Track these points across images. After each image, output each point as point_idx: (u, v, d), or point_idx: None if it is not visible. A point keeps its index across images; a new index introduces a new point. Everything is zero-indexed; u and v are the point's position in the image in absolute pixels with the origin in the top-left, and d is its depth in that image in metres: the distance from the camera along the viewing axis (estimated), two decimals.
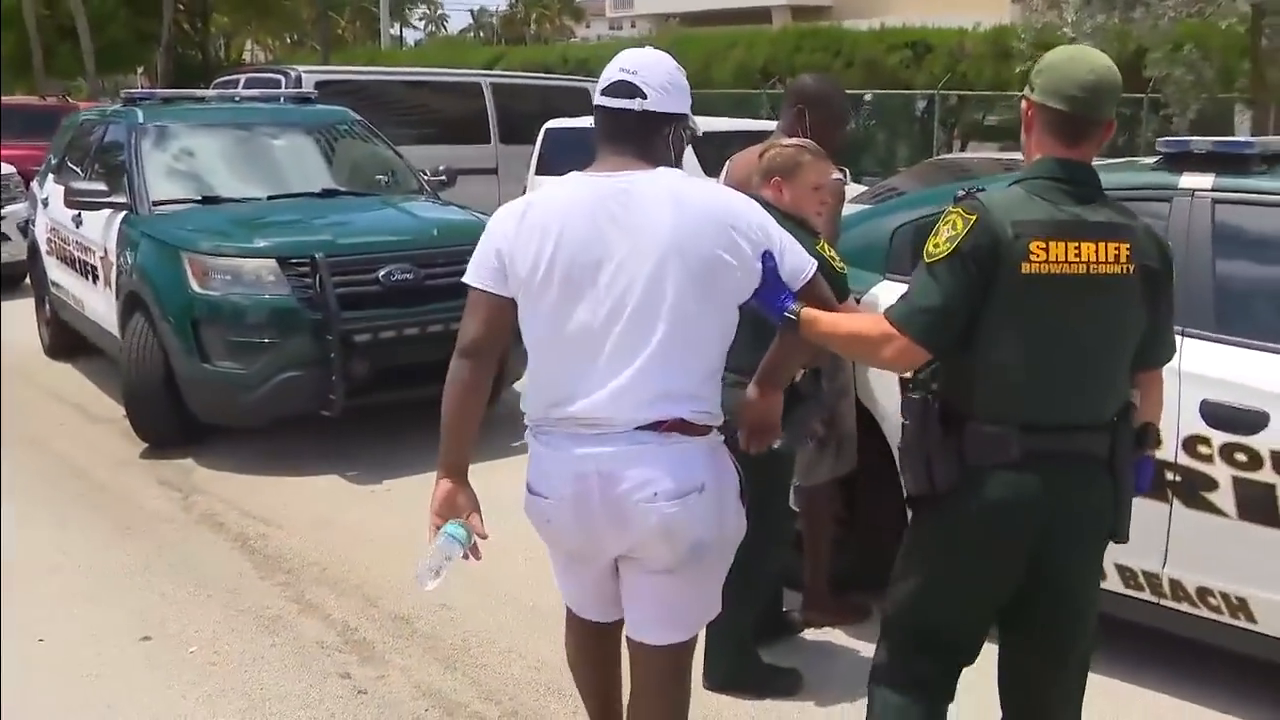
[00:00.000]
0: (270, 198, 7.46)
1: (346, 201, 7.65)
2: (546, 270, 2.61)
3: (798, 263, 2.72)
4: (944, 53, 22.48)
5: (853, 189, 12.19)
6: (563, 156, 10.52)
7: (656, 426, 2.62)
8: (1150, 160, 4.13)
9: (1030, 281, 2.56)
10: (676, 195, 2.62)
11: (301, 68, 13.00)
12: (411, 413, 6.67)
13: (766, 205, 3.31)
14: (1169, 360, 2.88)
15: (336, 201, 7.59)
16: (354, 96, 12.32)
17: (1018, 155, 11.46)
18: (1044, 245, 2.55)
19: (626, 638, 2.92)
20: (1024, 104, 2.74)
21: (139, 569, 5.11)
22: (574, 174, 2.73)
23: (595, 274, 2.60)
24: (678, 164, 2.76)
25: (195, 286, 6.43)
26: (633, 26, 46.20)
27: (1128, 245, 2.61)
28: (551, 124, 11.43)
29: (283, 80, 11.91)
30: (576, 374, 2.64)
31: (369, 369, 6.45)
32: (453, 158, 11.20)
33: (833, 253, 3.69)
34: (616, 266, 2.59)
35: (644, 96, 2.66)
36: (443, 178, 8.60)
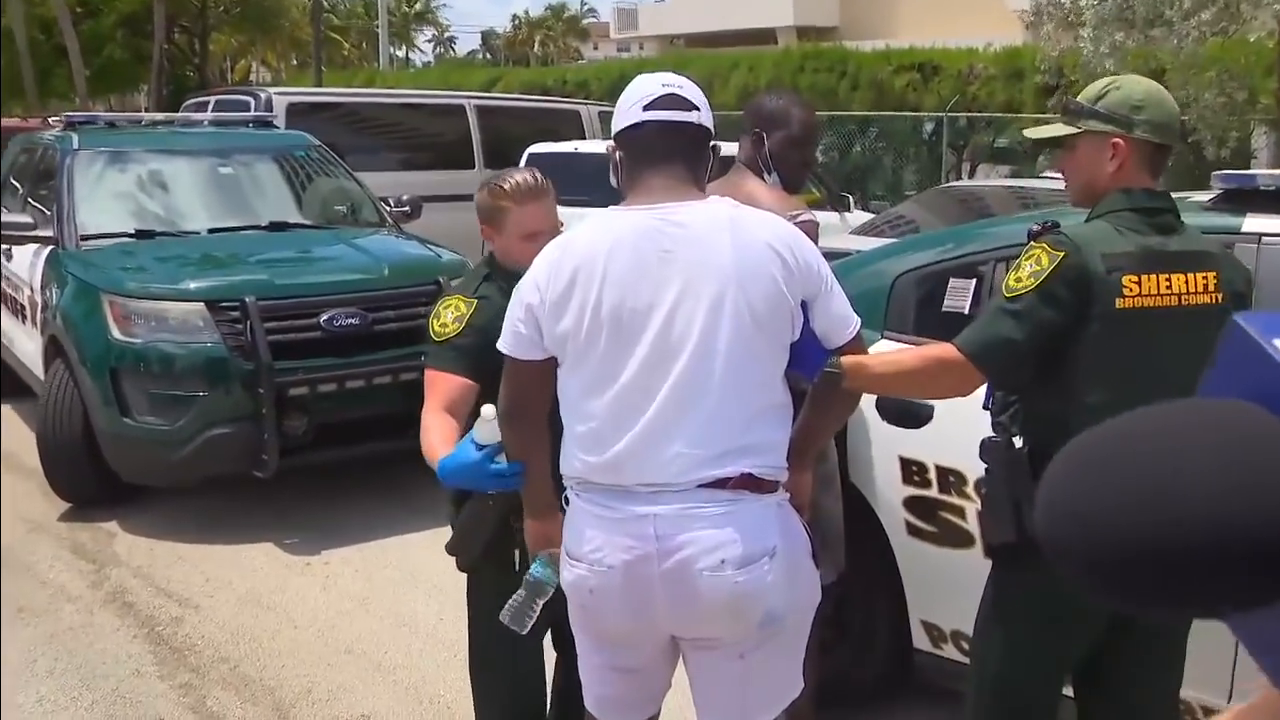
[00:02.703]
0: (211, 231, 6.79)
1: (295, 236, 7.00)
2: (593, 320, 2.37)
3: (842, 313, 2.50)
4: (952, 74, 21.89)
5: (859, 216, 11.57)
6: None
7: (723, 484, 2.34)
8: (1204, 198, 3.43)
9: (1126, 317, 2.51)
10: (734, 223, 2.39)
11: (273, 89, 12.34)
12: (356, 474, 6.06)
13: (493, 258, 3.09)
14: None
15: (284, 236, 6.93)
16: (332, 119, 11.77)
17: (1027, 182, 10.96)
18: (1137, 279, 2.51)
19: None
20: (1118, 142, 2.61)
21: (21, 666, 4.42)
22: (614, 209, 2.48)
23: (647, 318, 2.35)
24: (702, 188, 2.54)
25: (115, 332, 5.77)
26: (640, 49, 45.70)
27: (1215, 273, 2.57)
28: (534, 148, 10.75)
29: (252, 102, 11.24)
30: (630, 427, 2.36)
31: (307, 425, 5.79)
32: (435, 183, 10.60)
33: None
34: (670, 308, 2.34)
35: (697, 109, 2.46)
36: (406, 208, 7.94)
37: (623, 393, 2.37)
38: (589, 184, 10.25)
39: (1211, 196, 3.35)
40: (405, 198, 8.10)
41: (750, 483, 2.37)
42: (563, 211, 9.91)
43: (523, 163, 10.45)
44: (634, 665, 2.58)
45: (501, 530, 2.94)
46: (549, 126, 12.89)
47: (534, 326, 2.45)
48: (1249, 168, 18.83)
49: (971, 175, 20.84)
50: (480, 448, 2.58)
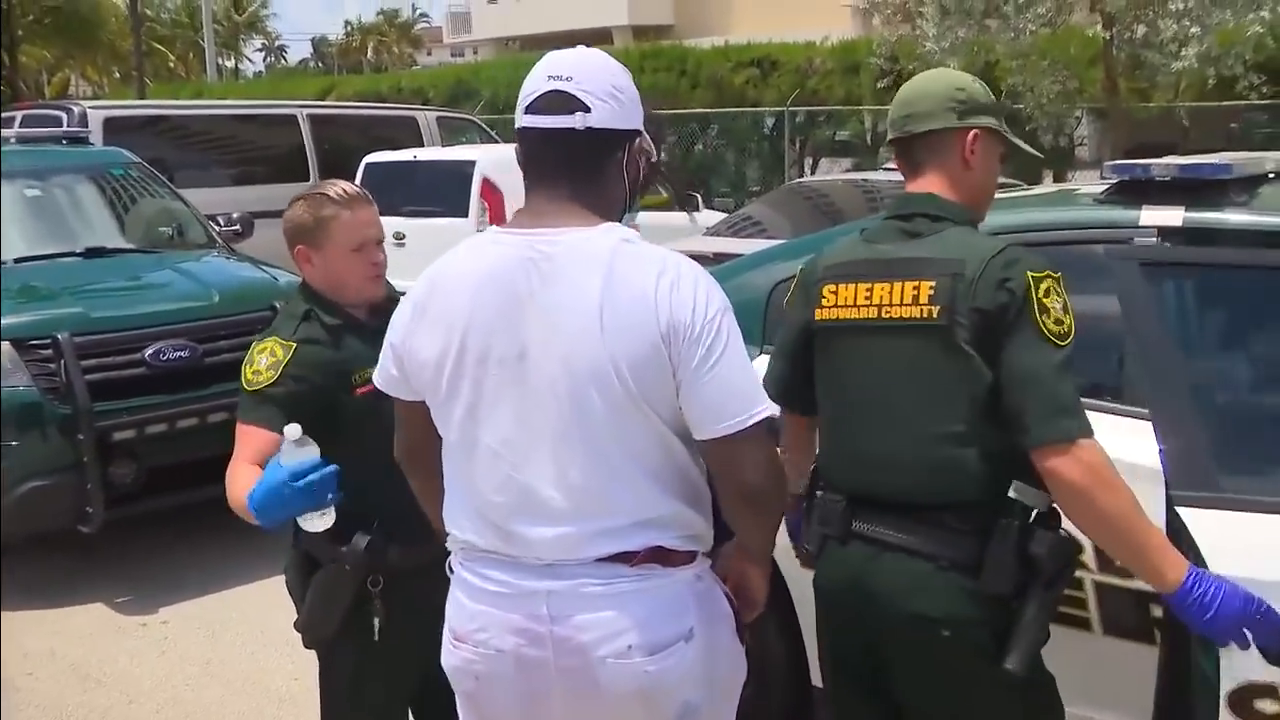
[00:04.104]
0: (19, 261, 6.14)
1: (114, 263, 6.43)
2: (455, 368, 2.03)
3: (724, 397, 1.96)
4: (791, 69, 21.97)
5: (708, 216, 11.37)
6: (385, 193, 9.38)
7: (627, 559, 2.00)
8: (1094, 190, 3.23)
9: (825, 329, 2.43)
10: (610, 268, 1.95)
11: (88, 103, 11.59)
12: (194, 521, 5.56)
13: (307, 291, 2.74)
14: (1042, 441, 2.15)
15: (102, 263, 6.35)
16: (155, 134, 11.16)
17: (872, 175, 10.97)
18: (835, 290, 2.39)
19: None
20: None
21: None
22: (492, 231, 2.12)
23: (518, 369, 1.99)
24: (633, 202, 2.14)
25: None
26: (474, 53, 45.14)
27: (929, 284, 2.25)
28: (371, 158, 10.30)
29: (64, 117, 10.51)
30: (506, 492, 2.03)
31: (136, 471, 5.29)
32: (268, 198, 10.01)
33: None
34: (542, 362, 1.98)
35: (586, 109, 2.00)
36: (237, 227, 7.43)
37: (498, 453, 2.04)
38: (429, 193, 9.91)
39: (1105, 189, 3.15)
40: (236, 215, 7.60)
41: (660, 555, 2.02)
42: (403, 223, 9.50)
43: (359, 172, 10.03)
44: None
45: (360, 598, 2.65)
46: (385, 135, 12.48)
47: (400, 368, 2.13)
48: (1075, 156, 19.37)
49: (814, 170, 20.97)
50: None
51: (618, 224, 2.05)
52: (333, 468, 2.29)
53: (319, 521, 2.35)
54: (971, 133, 2.39)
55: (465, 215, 9.29)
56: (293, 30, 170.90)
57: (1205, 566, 2.18)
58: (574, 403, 1.97)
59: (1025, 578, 2.22)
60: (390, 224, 9.16)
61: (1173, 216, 2.92)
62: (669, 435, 2.01)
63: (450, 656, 2.16)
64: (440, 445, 2.15)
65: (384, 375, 2.18)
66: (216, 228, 7.34)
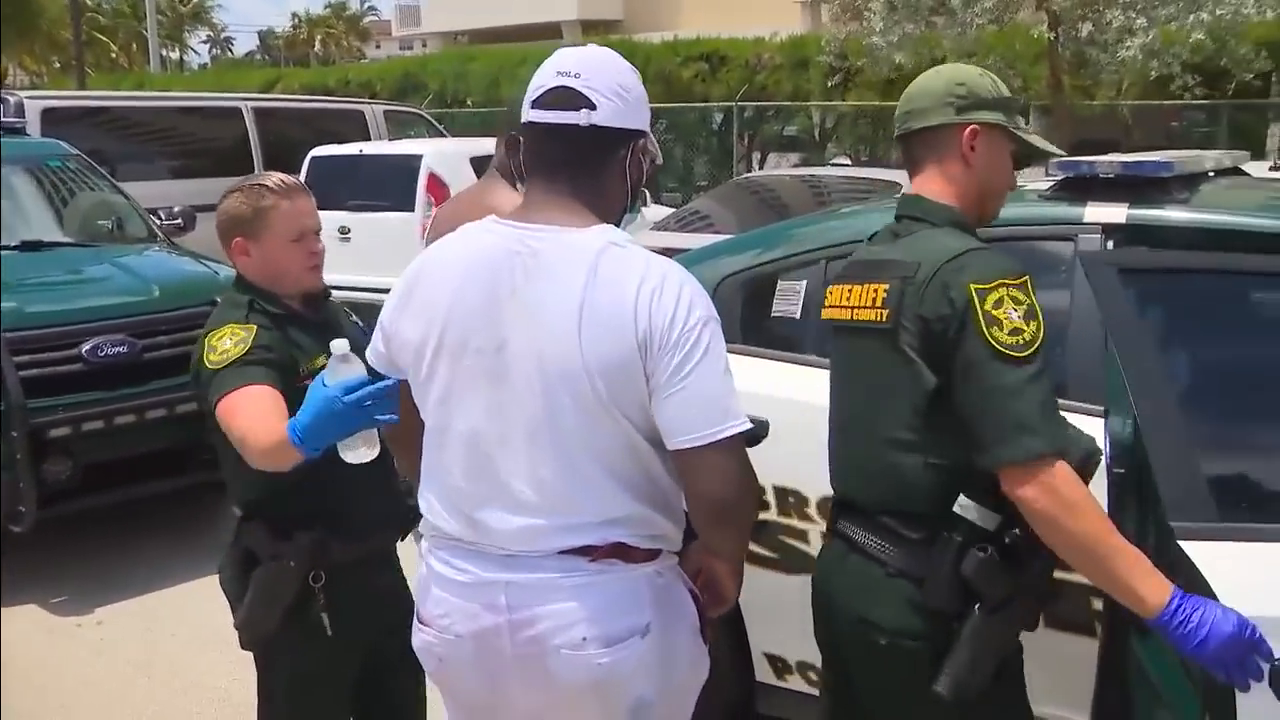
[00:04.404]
0: None
1: (51, 256, 6.29)
2: (434, 354, 2.07)
3: (694, 409, 1.95)
4: (740, 64, 22.00)
5: (656, 212, 11.35)
6: (331, 188, 9.32)
7: (588, 553, 2.02)
8: (1040, 187, 3.23)
9: (827, 329, 2.45)
10: (594, 269, 1.96)
11: (25, 93, 11.34)
12: (132, 519, 5.46)
13: (244, 284, 2.66)
14: (999, 462, 2.05)
15: (38, 257, 6.19)
16: (96, 125, 10.97)
17: (820, 170, 11.01)
18: (833, 290, 2.40)
19: None
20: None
21: None
22: (488, 220, 2.13)
23: (495, 361, 2.02)
24: (633, 201, 2.16)
25: None
26: (424, 46, 44.83)
27: (883, 287, 2.22)
28: (317, 151, 10.18)
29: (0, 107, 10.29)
30: (474, 480, 2.06)
31: (71, 469, 5.18)
32: (211, 191, 9.88)
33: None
34: (518, 358, 2.00)
35: (592, 107, 2.02)
36: (178, 220, 7.31)
37: (469, 440, 2.06)
38: (374, 188, 9.82)
39: (1050, 186, 3.16)
40: (177, 209, 7.49)
41: (620, 551, 2.04)
42: (348, 217, 9.39)
43: (305, 166, 9.93)
44: None
45: (301, 595, 2.60)
46: (331, 128, 12.32)
47: (387, 346, 2.17)
48: None
49: (762, 164, 21.02)
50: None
51: (612, 226, 2.06)
52: (390, 381, 2.15)
53: (365, 450, 2.25)
54: (969, 128, 2.29)
55: (411, 210, 9.21)
56: (239, 22, 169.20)
57: (1214, 598, 1.99)
58: (546, 400, 1.99)
59: (969, 598, 2.16)
60: (335, 218, 9.17)
61: (1116, 213, 2.94)
62: (639, 440, 2.02)
63: (416, 637, 2.21)
64: (408, 428, 2.18)
65: (374, 352, 2.20)
66: (157, 221, 7.22)
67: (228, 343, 2.53)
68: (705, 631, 2.21)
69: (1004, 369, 2.04)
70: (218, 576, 2.76)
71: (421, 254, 2.20)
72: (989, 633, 2.17)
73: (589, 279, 1.96)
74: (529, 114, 2.08)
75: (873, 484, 2.27)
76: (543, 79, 2.07)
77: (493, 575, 2.06)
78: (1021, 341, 2.05)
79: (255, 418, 2.40)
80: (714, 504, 2.01)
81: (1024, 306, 2.08)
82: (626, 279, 1.95)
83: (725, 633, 3.47)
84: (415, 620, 2.21)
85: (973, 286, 2.09)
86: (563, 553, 2.03)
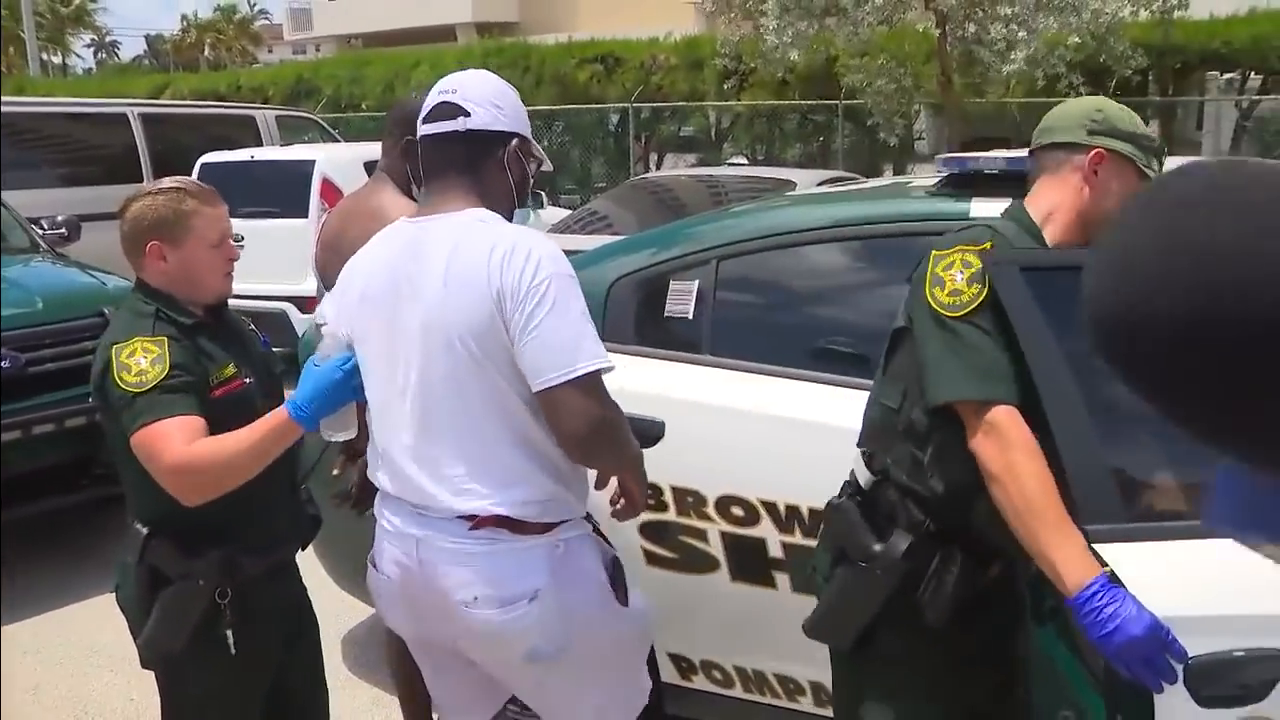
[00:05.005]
0: None
1: None
2: (357, 332, 2.42)
3: (553, 347, 2.20)
4: (635, 65, 22.09)
5: (554, 214, 11.34)
6: (223, 194, 9.05)
7: (475, 520, 2.28)
8: (926, 183, 3.29)
9: None
10: (456, 243, 2.27)
11: None
12: (14, 540, 5.28)
13: (148, 290, 2.60)
14: (933, 402, 2.25)
15: None
16: None
17: (716, 169, 11.05)
18: None
19: None
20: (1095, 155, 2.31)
21: None
22: (399, 220, 2.49)
23: (392, 335, 2.33)
24: (520, 194, 2.44)
25: None
26: (317, 50, 44.26)
27: None
28: (208, 158, 9.96)
29: None
30: (392, 441, 2.37)
31: None
32: (98, 200, 9.66)
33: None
34: (403, 334, 2.31)
35: (467, 114, 2.35)
36: (62, 230, 7.12)
37: (382, 405, 2.39)
38: (267, 193, 9.65)
39: (936, 181, 3.21)
40: (60, 218, 7.28)
41: (506, 523, 2.29)
42: (241, 224, 9.21)
43: (195, 173, 9.71)
44: (444, 665, 2.59)
45: (210, 611, 2.55)
46: (223, 134, 12.11)
47: (336, 333, 2.49)
48: (914, 150, 19.90)
49: (659, 165, 21.10)
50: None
51: (481, 208, 2.34)
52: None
53: (345, 430, 2.48)
54: (1095, 151, 2.31)
55: (305, 216, 9.06)
56: (125, 26, 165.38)
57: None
58: (429, 364, 2.27)
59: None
60: None
61: (1000, 208, 2.99)
62: (512, 397, 2.25)
63: (368, 578, 2.56)
64: None
65: (332, 338, 2.47)
66: (40, 231, 7.02)
67: (142, 362, 2.45)
68: (619, 591, 2.47)
69: (938, 324, 2.19)
70: (114, 595, 2.69)
71: (364, 248, 2.50)
72: (841, 584, 2.36)
73: (452, 251, 2.25)
74: (420, 130, 2.40)
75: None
76: (430, 100, 2.40)
77: (408, 529, 2.37)
78: (958, 302, 2.17)
79: (204, 443, 2.42)
80: (579, 439, 2.25)
81: (971, 270, 2.19)
82: (481, 247, 2.24)
83: None
84: (368, 560, 2.54)
85: (934, 253, 2.25)
86: (458, 517, 2.29)
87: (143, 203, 2.56)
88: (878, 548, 2.29)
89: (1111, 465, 2.18)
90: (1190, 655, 1.95)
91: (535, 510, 2.31)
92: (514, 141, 2.40)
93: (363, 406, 2.48)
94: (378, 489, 2.50)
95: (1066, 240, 2.35)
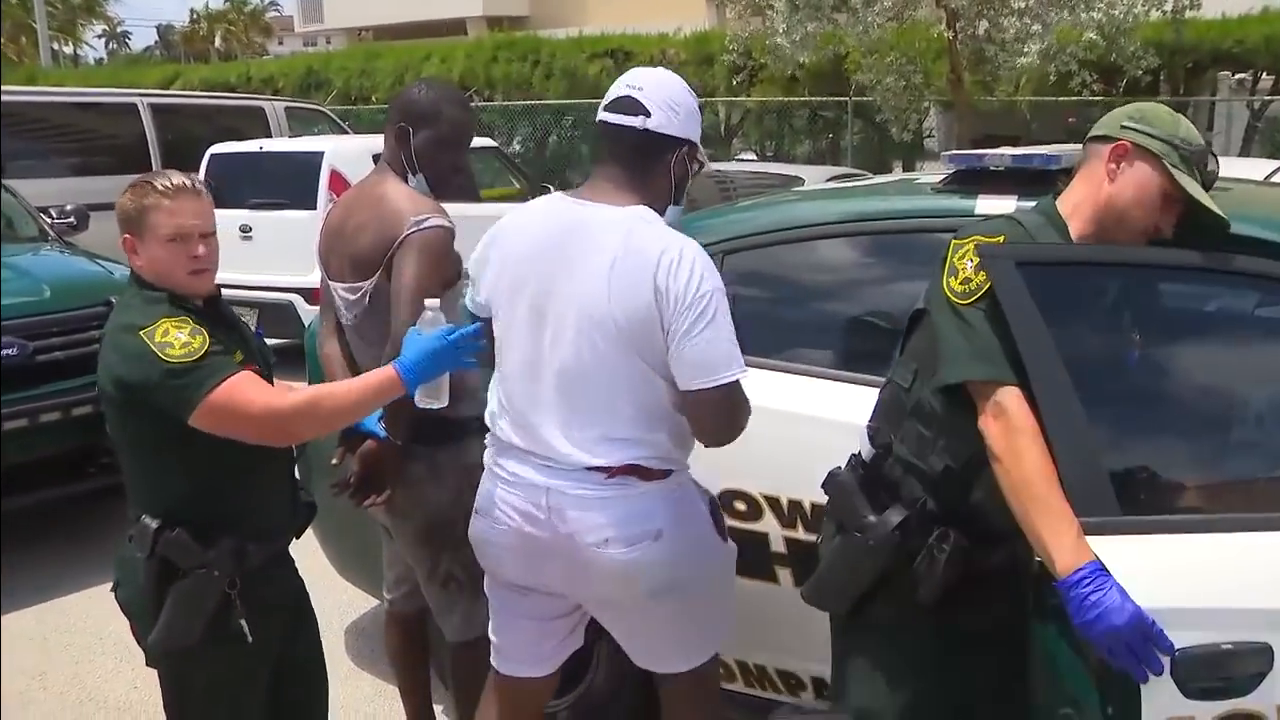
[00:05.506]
0: None
1: None
2: (504, 295, 2.63)
3: (696, 362, 2.46)
4: (645, 60, 22.03)
5: None
6: (231, 186, 9.15)
7: (607, 471, 2.53)
8: (933, 179, 3.28)
9: None
10: (626, 238, 2.49)
11: None
12: (21, 528, 5.30)
13: (141, 280, 2.58)
14: (940, 385, 2.36)
15: None
16: None
17: (725, 165, 10.99)
18: None
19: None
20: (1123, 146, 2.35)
21: None
22: (556, 195, 2.70)
23: (543, 304, 2.55)
24: (678, 196, 2.66)
25: None
26: (328, 42, 44.26)
27: None
28: (217, 149, 9.95)
29: None
30: (529, 400, 2.59)
31: None
32: (108, 190, 9.66)
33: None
34: (558, 305, 2.53)
35: (648, 114, 2.55)
36: (71, 219, 7.13)
37: (523, 367, 2.59)
38: (275, 185, 9.63)
39: (943, 178, 3.21)
40: (69, 208, 7.29)
41: (636, 470, 2.53)
42: (249, 215, 9.15)
43: (204, 164, 9.73)
44: (541, 615, 2.77)
45: (222, 602, 2.54)
46: (232, 125, 12.08)
47: (473, 288, 2.73)
48: (923, 147, 19.85)
49: None
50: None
51: (642, 206, 2.54)
52: (474, 327, 2.63)
53: (438, 398, 2.63)
54: (1120, 143, 2.34)
55: (313, 208, 9.03)
56: (137, 16, 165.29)
57: None
58: (581, 339, 2.49)
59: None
60: (236, 217, 9.00)
61: (1006, 205, 2.97)
62: (654, 377, 2.51)
63: (472, 527, 2.76)
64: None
65: (470, 300, 2.75)
66: (49, 220, 7.03)
67: (181, 336, 2.45)
68: (722, 531, 2.75)
69: (951, 311, 2.28)
70: (114, 594, 2.68)
71: (511, 213, 2.72)
72: (836, 553, 2.46)
73: (621, 243, 2.47)
74: (600, 115, 2.60)
75: None
76: (615, 89, 2.60)
77: (538, 479, 2.58)
78: (967, 290, 2.27)
79: (302, 391, 2.57)
80: (715, 434, 2.57)
81: (981, 260, 2.27)
82: (652, 247, 2.45)
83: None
84: (475, 513, 2.74)
85: (953, 241, 2.35)
86: (590, 469, 2.52)
87: (122, 196, 2.56)
88: (871, 519, 2.36)
89: (1103, 457, 2.19)
90: (1178, 647, 1.97)
91: (657, 461, 2.56)
92: (684, 147, 2.59)
93: (456, 377, 2.70)
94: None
95: (1088, 233, 2.37)
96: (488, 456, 2.72)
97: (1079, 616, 1.99)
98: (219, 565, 2.51)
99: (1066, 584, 2.01)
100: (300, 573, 2.85)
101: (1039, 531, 2.08)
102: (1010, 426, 2.14)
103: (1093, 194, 2.38)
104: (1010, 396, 2.16)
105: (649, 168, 2.57)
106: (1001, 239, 2.30)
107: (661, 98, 2.55)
